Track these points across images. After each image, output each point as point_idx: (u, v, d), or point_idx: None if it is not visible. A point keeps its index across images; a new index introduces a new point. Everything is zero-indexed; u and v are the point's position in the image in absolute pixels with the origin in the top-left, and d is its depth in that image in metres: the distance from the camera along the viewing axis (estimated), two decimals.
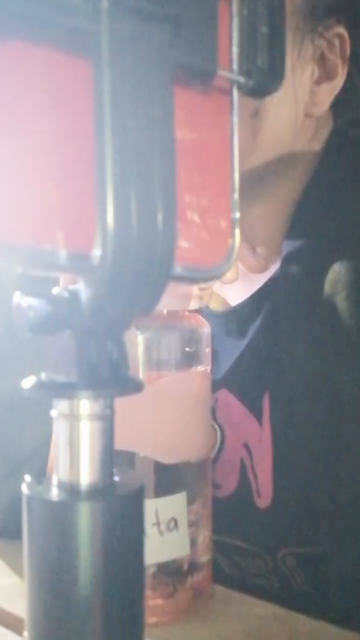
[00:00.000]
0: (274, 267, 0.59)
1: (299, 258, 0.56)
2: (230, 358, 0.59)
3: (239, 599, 0.48)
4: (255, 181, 0.58)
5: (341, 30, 0.57)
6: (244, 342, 0.59)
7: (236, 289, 0.62)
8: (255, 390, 0.56)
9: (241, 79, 0.24)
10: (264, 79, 0.24)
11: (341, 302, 0.52)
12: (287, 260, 0.57)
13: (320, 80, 0.57)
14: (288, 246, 0.57)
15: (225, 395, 0.58)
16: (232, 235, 0.25)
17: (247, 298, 0.60)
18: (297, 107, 0.57)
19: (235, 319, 0.61)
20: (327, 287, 0.53)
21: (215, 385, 0.58)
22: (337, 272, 0.52)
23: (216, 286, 0.62)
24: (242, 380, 0.58)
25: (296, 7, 0.55)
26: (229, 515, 0.56)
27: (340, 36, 0.57)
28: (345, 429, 0.52)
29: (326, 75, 0.57)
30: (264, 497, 0.55)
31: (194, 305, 0.48)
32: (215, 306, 0.63)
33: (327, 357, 0.52)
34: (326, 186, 0.58)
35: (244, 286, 0.62)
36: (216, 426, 0.58)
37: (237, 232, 0.25)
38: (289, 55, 0.54)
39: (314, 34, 0.56)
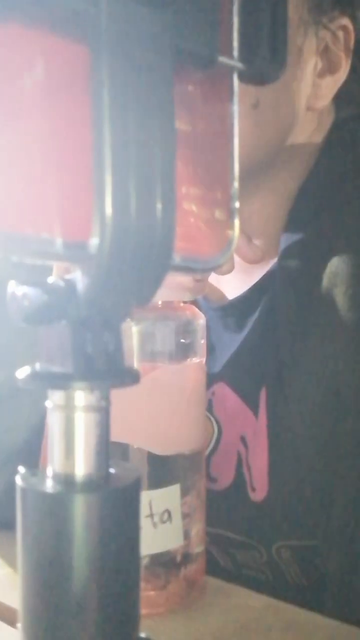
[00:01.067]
0: (272, 261, 0.59)
1: (298, 251, 0.55)
2: (228, 351, 0.59)
3: (232, 591, 0.48)
4: (255, 173, 0.57)
5: (346, 22, 0.56)
6: (241, 336, 0.59)
7: (234, 283, 0.62)
8: (252, 383, 0.56)
9: (242, 66, 0.23)
10: (265, 66, 0.23)
11: (340, 296, 0.51)
12: (285, 254, 0.56)
13: (323, 73, 0.57)
14: (286, 239, 0.57)
15: (222, 388, 0.58)
16: (231, 226, 0.25)
17: (245, 291, 0.60)
18: (299, 99, 0.56)
19: (232, 313, 0.60)
20: (326, 280, 0.52)
21: (213, 379, 0.58)
22: (335, 266, 0.52)
23: (213, 279, 0.62)
24: (239, 374, 0.57)
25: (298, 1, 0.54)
26: (225, 508, 0.56)
27: (344, 28, 0.56)
28: (342, 423, 0.51)
29: (329, 68, 0.57)
30: (259, 491, 0.55)
31: (189, 296, 0.48)
32: (213, 299, 0.63)
33: (325, 350, 0.52)
34: (325, 179, 0.58)
35: (242, 279, 0.61)
36: (212, 419, 0.58)
37: (236, 222, 0.25)
38: (292, 47, 0.54)
39: (318, 25, 0.55)
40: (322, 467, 0.52)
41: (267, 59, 0.23)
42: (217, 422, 0.58)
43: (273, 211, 0.61)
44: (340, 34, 0.56)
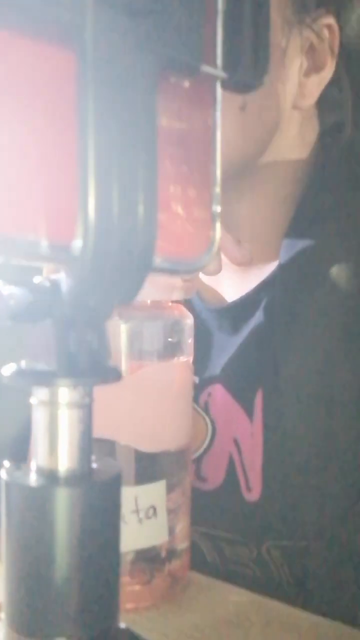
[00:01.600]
0: (268, 265, 0.59)
1: (298, 259, 0.56)
2: (224, 353, 0.59)
3: (216, 586, 0.49)
4: (243, 174, 0.58)
5: (330, 21, 0.56)
6: (237, 339, 0.59)
7: (232, 284, 0.62)
8: (248, 387, 0.56)
9: (224, 75, 0.24)
10: (247, 75, 0.24)
11: (338, 305, 0.52)
12: (285, 260, 0.57)
13: (308, 72, 0.57)
14: (287, 246, 0.57)
15: (218, 390, 0.58)
16: (213, 229, 0.25)
17: (243, 296, 0.60)
18: (285, 99, 0.57)
19: (229, 316, 0.61)
20: (326, 289, 0.53)
21: (209, 380, 0.59)
22: (336, 274, 0.53)
23: (212, 280, 0.63)
24: (236, 377, 0.58)
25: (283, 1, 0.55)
26: (215, 508, 0.57)
27: (329, 27, 0.56)
28: (336, 427, 0.52)
29: (315, 66, 0.57)
30: (254, 492, 0.55)
31: (177, 296, 0.49)
32: (211, 301, 0.63)
33: (323, 356, 0.53)
34: (325, 189, 0.58)
35: (240, 281, 0.62)
36: (208, 420, 0.58)
37: (218, 225, 0.25)
38: (276, 48, 0.54)
39: (302, 25, 0.55)
40: (315, 469, 0.53)
41: (249, 68, 0.24)
42: (212, 423, 0.58)
43: (264, 215, 0.61)
44: (325, 32, 0.56)
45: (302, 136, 0.60)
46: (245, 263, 0.57)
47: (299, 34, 0.55)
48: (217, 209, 0.25)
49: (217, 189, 0.25)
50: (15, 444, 0.55)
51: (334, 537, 0.53)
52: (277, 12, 0.54)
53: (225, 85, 0.24)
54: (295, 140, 0.60)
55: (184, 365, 0.48)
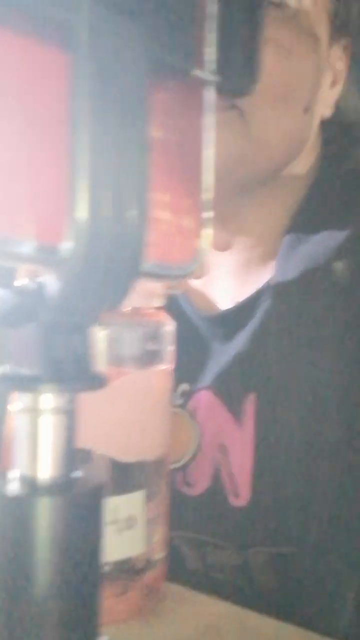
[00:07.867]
0: (267, 274, 0.60)
1: (294, 265, 0.57)
2: (215, 361, 0.60)
3: (192, 597, 0.48)
4: (268, 182, 0.59)
5: (348, 39, 0.62)
6: (230, 347, 0.59)
7: (227, 292, 0.63)
8: (238, 393, 0.57)
9: (215, 79, 0.24)
10: (238, 79, 0.24)
11: (335, 312, 0.53)
12: (282, 269, 0.57)
13: (332, 84, 0.62)
14: (283, 255, 0.58)
15: (207, 396, 0.58)
16: (201, 235, 0.25)
17: (238, 304, 0.60)
18: (321, 107, 0.61)
19: (222, 323, 0.61)
20: (322, 297, 0.54)
21: (200, 388, 0.59)
22: (332, 284, 0.54)
23: (206, 285, 0.63)
24: (227, 384, 0.58)
25: (329, 18, 0.59)
26: (201, 513, 0.57)
27: (346, 47, 0.62)
28: (327, 435, 0.53)
29: (335, 80, 0.62)
30: (242, 498, 0.55)
31: (157, 303, 0.48)
32: (202, 307, 0.63)
33: (317, 365, 0.53)
34: (325, 199, 0.60)
35: (235, 290, 0.62)
36: (196, 427, 0.58)
37: (206, 232, 0.25)
38: (324, 61, 0.59)
39: (334, 42, 0.60)
40: (304, 476, 0.53)
41: (240, 73, 0.24)
42: (199, 429, 0.58)
43: (274, 221, 0.62)
44: (343, 49, 0.62)
45: (311, 146, 0.62)
46: (223, 249, 0.58)
47: (330, 50, 0.60)
48: (206, 215, 0.25)
49: (205, 196, 0.25)
50: None
51: (320, 544, 0.53)
52: (324, 29, 0.59)
53: (216, 90, 0.24)
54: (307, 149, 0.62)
55: (163, 373, 0.48)
